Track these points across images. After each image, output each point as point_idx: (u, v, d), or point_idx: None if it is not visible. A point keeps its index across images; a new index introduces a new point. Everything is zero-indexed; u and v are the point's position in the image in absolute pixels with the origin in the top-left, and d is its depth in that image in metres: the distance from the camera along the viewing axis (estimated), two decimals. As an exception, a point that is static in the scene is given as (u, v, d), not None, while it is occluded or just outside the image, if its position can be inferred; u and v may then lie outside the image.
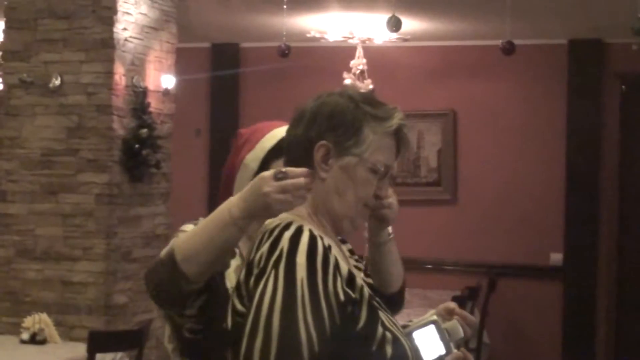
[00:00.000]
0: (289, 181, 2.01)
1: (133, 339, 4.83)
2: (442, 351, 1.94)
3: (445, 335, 1.93)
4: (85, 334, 4.76)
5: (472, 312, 7.34)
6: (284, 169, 2.01)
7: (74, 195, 5.53)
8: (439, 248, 8.34)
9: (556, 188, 8.10)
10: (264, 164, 2.36)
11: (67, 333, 5.39)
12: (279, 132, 2.38)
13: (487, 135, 8.31)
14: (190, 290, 2.13)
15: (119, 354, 4.93)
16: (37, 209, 5.64)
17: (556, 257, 8.13)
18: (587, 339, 8.00)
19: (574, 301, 8.04)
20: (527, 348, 8.19)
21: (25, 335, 5.15)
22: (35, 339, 5.11)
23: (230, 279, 2.24)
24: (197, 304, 2.20)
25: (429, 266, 8.34)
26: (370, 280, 2.24)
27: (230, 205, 2.08)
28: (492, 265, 8.13)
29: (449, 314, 2.11)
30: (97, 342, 4.60)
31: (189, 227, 2.31)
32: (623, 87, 8.06)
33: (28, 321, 5.20)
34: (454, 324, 1.94)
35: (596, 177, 8.04)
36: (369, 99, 2.09)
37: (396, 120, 2.06)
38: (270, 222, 2.03)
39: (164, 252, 2.12)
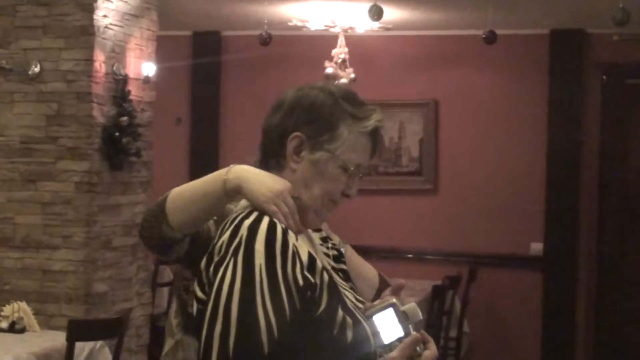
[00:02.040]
0: (293, 206, 2.02)
1: (113, 328, 4.81)
2: (401, 333, 1.95)
3: (403, 318, 1.94)
4: (64, 323, 4.74)
5: (452, 301, 7.37)
6: (300, 197, 2.06)
7: (54, 183, 5.50)
8: (419, 237, 8.35)
9: (537, 178, 8.12)
10: None
11: (47, 322, 5.36)
12: None
13: (469, 125, 8.32)
14: (169, 235, 2.17)
15: (99, 343, 4.91)
16: (16, 196, 5.61)
17: (536, 247, 8.15)
18: (567, 329, 8.03)
19: (553, 291, 8.07)
20: (507, 337, 8.22)
21: (4, 324, 5.12)
22: (14, 328, 5.08)
23: None
24: (169, 258, 2.29)
25: (410, 255, 8.35)
26: (343, 266, 2.24)
27: (231, 169, 2.12)
28: (473, 255, 8.16)
29: (396, 292, 2.13)
30: (76, 330, 4.58)
31: None
32: (604, 77, 8.09)
33: (7, 310, 5.17)
34: (413, 306, 1.97)
35: (577, 168, 8.07)
36: (349, 96, 2.10)
37: (373, 121, 2.07)
38: (234, 211, 2.05)
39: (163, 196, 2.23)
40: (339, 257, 2.26)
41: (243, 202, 2.09)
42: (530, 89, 8.21)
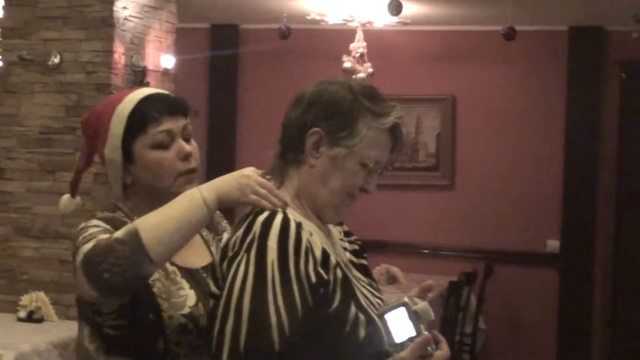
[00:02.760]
0: (268, 184, 2.06)
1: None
2: (413, 333, 1.95)
3: (415, 317, 1.94)
4: (81, 313, 4.76)
5: (468, 298, 7.36)
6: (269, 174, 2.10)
7: (72, 174, 5.51)
8: (435, 233, 8.35)
9: (554, 175, 8.10)
10: (127, 150, 2.27)
11: (64, 312, 5.38)
12: (123, 109, 2.28)
13: (486, 121, 8.30)
14: (149, 274, 2.09)
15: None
16: (35, 187, 5.63)
17: (553, 244, 8.13)
18: (583, 326, 8.01)
19: (570, 288, 8.05)
20: (523, 334, 8.21)
21: (22, 314, 5.15)
22: (32, 317, 5.12)
23: None
24: (122, 301, 2.15)
25: (426, 251, 8.34)
26: (364, 262, 2.23)
27: (201, 189, 2.10)
28: (489, 251, 8.14)
29: (424, 292, 2.12)
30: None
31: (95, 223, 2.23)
32: (623, 74, 8.05)
33: (25, 299, 5.20)
34: (424, 306, 1.96)
35: (594, 165, 8.04)
36: (369, 92, 2.10)
37: (392, 118, 2.07)
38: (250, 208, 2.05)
39: (119, 233, 2.06)
40: (360, 252, 2.24)
41: None
42: (548, 86, 8.18)
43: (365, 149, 2.05)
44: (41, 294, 5.21)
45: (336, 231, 2.22)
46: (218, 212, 2.47)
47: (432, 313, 1.97)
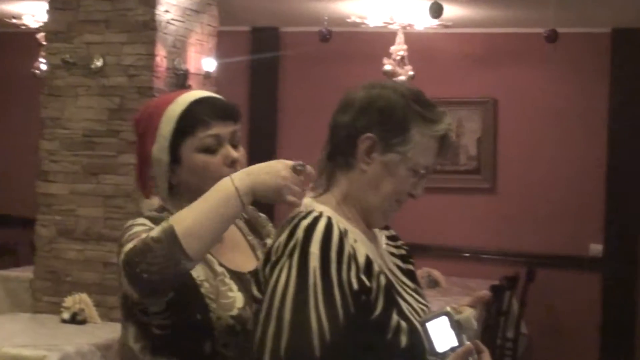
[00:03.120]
0: (299, 180, 2.08)
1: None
2: (455, 343, 1.92)
3: (457, 327, 1.92)
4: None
5: (509, 302, 7.32)
6: (302, 163, 2.10)
7: (115, 177, 5.55)
8: (477, 237, 8.31)
9: (597, 178, 8.03)
10: (174, 151, 2.28)
11: (107, 314, 5.42)
12: (173, 111, 2.29)
13: (528, 124, 8.25)
14: (187, 269, 2.08)
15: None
16: (78, 189, 5.67)
17: (596, 248, 8.06)
18: (626, 331, 7.93)
19: (613, 293, 7.97)
20: (565, 339, 8.14)
21: (65, 315, 5.20)
22: (76, 319, 5.16)
23: (196, 269, 2.19)
24: (164, 299, 2.15)
25: (467, 255, 8.30)
26: (410, 267, 2.21)
27: (234, 180, 2.09)
28: (531, 255, 8.09)
29: (476, 302, 2.10)
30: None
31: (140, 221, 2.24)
32: (667, 77, 7.97)
33: (68, 301, 5.25)
34: (467, 315, 1.94)
35: (637, 167, 7.96)
36: (420, 98, 2.08)
37: (444, 125, 2.06)
38: (293, 211, 2.05)
39: (155, 231, 2.06)
40: (406, 257, 2.23)
41: (305, 201, 2.09)
42: (591, 88, 8.11)
43: (416, 156, 2.04)
44: (84, 296, 5.26)
45: (382, 236, 2.21)
46: (263, 215, 2.48)
47: (475, 323, 1.95)
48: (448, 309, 1.94)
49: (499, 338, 7.06)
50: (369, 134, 2.04)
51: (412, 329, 1.97)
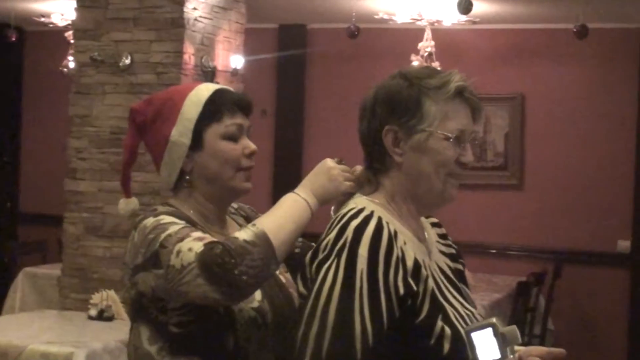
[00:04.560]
0: (348, 168, 2.16)
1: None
2: (497, 355, 1.90)
3: (501, 340, 1.91)
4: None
5: (537, 298, 7.29)
6: (340, 159, 2.20)
7: (142, 174, 5.56)
8: (504, 233, 8.28)
9: (625, 174, 7.98)
10: (197, 135, 2.27)
11: (134, 310, 5.44)
12: (198, 96, 2.29)
13: (556, 120, 8.21)
14: (273, 273, 2.15)
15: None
16: (105, 186, 5.70)
17: (624, 245, 8.01)
18: (655, 328, 7.88)
19: (641, 289, 7.92)
20: (593, 335, 8.10)
21: (93, 312, 5.22)
22: (103, 316, 5.18)
23: None
24: (237, 302, 2.15)
25: (494, 251, 8.28)
26: (459, 266, 2.19)
27: (299, 193, 2.15)
28: (558, 252, 8.05)
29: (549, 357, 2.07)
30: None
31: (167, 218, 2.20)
32: (697, 72, 7.90)
33: (96, 298, 5.27)
34: (512, 329, 1.92)
35: (667, 164, 7.90)
36: (423, 72, 2.07)
37: (453, 83, 2.03)
38: (345, 207, 2.04)
39: (247, 235, 2.06)
40: (456, 256, 2.21)
41: (357, 198, 2.10)
42: (620, 85, 8.06)
43: (442, 124, 2.01)
44: (112, 293, 5.28)
45: (433, 233, 2.19)
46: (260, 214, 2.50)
47: (519, 337, 1.92)
48: (494, 320, 1.93)
49: (526, 334, 7.04)
50: (387, 127, 2.04)
51: (456, 336, 1.95)
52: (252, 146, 2.31)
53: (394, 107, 2.03)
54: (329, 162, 2.19)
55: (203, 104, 2.28)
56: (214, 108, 2.28)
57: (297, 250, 2.37)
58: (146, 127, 2.33)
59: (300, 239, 2.39)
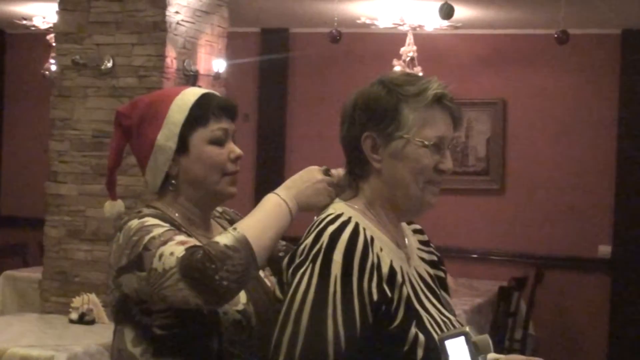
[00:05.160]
0: (334, 177, 2.15)
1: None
2: None
3: (474, 349, 1.92)
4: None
5: (518, 303, 7.31)
6: (327, 167, 2.18)
7: (124, 177, 5.54)
8: (485, 238, 8.30)
9: (606, 180, 8.02)
10: (183, 139, 2.28)
11: (115, 314, 5.43)
12: (184, 100, 2.30)
13: (537, 125, 8.24)
14: (252, 278, 2.13)
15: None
16: (87, 190, 5.68)
17: (604, 250, 8.05)
18: (635, 333, 7.91)
19: (621, 294, 7.95)
20: (574, 340, 8.13)
21: (74, 315, 5.21)
22: (84, 319, 5.17)
23: None
24: (217, 306, 2.16)
25: (475, 256, 8.30)
26: (440, 273, 2.19)
27: (280, 195, 2.14)
28: (539, 257, 8.08)
29: None
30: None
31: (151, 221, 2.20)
32: (677, 78, 7.95)
33: (77, 301, 5.25)
34: (485, 338, 1.92)
35: (647, 169, 7.94)
36: (401, 79, 2.07)
37: (432, 90, 2.03)
38: (324, 212, 2.05)
39: (228, 240, 2.06)
40: (437, 263, 2.21)
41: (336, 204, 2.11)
42: (601, 90, 8.10)
43: (420, 132, 2.02)
44: (93, 296, 5.26)
45: (414, 240, 2.19)
46: (234, 210, 2.50)
47: (491, 346, 1.93)
48: (467, 329, 1.93)
49: (507, 339, 7.06)
50: (366, 133, 2.04)
51: (430, 343, 1.96)
52: (238, 151, 2.31)
53: (372, 114, 2.03)
54: (317, 174, 2.18)
55: (189, 109, 2.28)
56: (200, 112, 2.28)
57: (281, 254, 2.37)
58: (132, 130, 2.33)
59: (284, 243, 2.40)
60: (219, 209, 2.46)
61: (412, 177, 2.03)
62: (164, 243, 2.10)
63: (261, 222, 2.11)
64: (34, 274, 6.56)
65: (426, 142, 2.01)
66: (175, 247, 2.07)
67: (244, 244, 2.05)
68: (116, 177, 2.44)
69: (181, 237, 2.12)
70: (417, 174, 2.02)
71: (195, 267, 2.02)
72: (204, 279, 2.01)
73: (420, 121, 2.02)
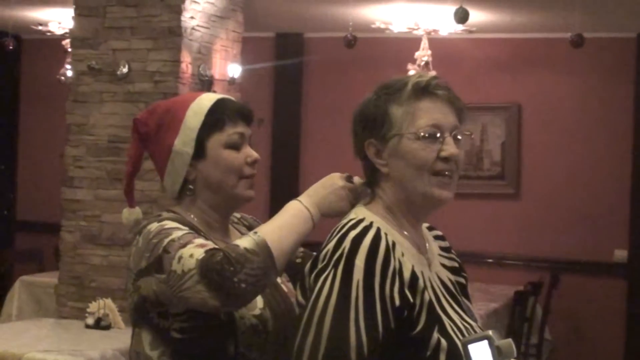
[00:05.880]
0: (356, 187, 2.18)
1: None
2: None
3: (496, 353, 1.91)
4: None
5: (534, 308, 7.29)
6: (350, 175, 2.21)
7: (140, 182, 5.54)
8: (501, 242, 8.28)
9: (622, 184, 7.99)
10: (200, 144, 2.30)
11: (131, 319, 5.44)
12: (200, 105, 2.32)
13: (552, 129, 8.22)
14: (272, 282, 2.15)
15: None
16: (103, 195, 5.70)
17: (620, 254, 8.02)
18: (651, 338, 7.89)
19: (638, 299, 7.92)
20: (589, 345, 8.10)
21: (90, 320, 5.22)
22: (100, 324, 5.18)
23: None
24: (234, 309, 2.18)
25: (491, 260, 8.28)
26: (462, 280, 2.18)
27: (303, 202, 2.16)
28: (555, 261, 8.06)
29: None
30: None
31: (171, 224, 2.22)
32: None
33: (93, 306, 5.27)
34: (508, 342, 1.92)
35: (663, 173, 7.92)
36: (388, 82, 2.08)
37: (411, 82, 2.04)
38: (345, 217, 2.06)
39: (248, 243, 2.08)
40: (458, 270, 2.21)
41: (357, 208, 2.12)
42: (616, 94, 8.08)
43: (411, 124, 2.02)
44: (109, 301, 5.28)
45: (435, 246, 2.19)
46: (253, 217, 2.52)
47: (515, 350, 1.93)
48: (490, 332, 1.93)
49: (523, 344, 7.04)
50: (367, 141, 2.06)
51: (452, 348, 1.96)
52: (255, 154, 2.34)
53: (367, 122, 2.06)
54: (339, 180, 2.20)
55: (205, 114, 2.31)
56: (216, 117, 2.31)
57: (298, 260, 2.39)
58: (149, 137, 2.36)
59: (301, 249, 2.41)
60: (237, 214, 2.48)
61: (416, 172, 2.02)
62: (184, 245, 2.12)
63: (282, 227, 2.13)
64: (50, 279, 6.58)
65: (419, 133, 2.01)
66: (195, 250, 2.09)
67: (263, 248, 2.07)
68: (134, 184, 2.46)
69: (200, 240, 2.15)
70: (419, 168, 2.02)
71: (214, 269, 2.04)
72: (222, 281, 2.04)
73: (409, 115, 2.03)
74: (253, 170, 2.33)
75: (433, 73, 6.90)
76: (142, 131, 2.36)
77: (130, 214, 2.43)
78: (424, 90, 2.03)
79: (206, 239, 2.21)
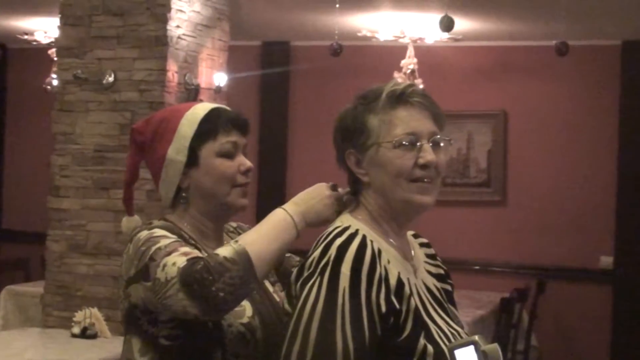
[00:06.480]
0: (342, 196, 2.19)
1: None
2: None
3: (483, 358, 1.92)
4: (135, 329, 4.79)
5: (520, 314, 7.30)
6: (335, 184, 2.23)
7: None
8: (487, 249, 8.30)
9: (607, 191, 8.02)
10: (193, 152, 2.33)
11: (118, 328, 5.42)
12: (194, 114, 2.35)
13: (538, 137, 8.25)
14: (251, 291, 2.15)
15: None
16: (89, 204, 5.69)
17: (606, 260, 8.05)
18: (637, 343, 7.90)
19: (624, 305, 7.95)
20: (576, 351, 8.12)
21: (76, 330, 5.21)
22: (86, 334, 5.17)
23: None
24: (216, 318, 2.18)
25: (477, 267, 8.30)
26: (447, 287, 2.20)
27: (287, 210, 2.17)
28: (541, 268, 8.08)
29: None
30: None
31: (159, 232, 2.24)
32: (677, 89, 7.95)
33: (79, 315, 5.25)
34: (494, 347, 1.93)
35: (648, 180, 7.95)
36: (365, 92, 2.11)
37: (386, 91, 2.06)
38: (331, 225, 2.07)
39: (227, 252, 2.09)
40: (444, 277, 2.22)
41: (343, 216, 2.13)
42: (601, 101, 8.11)
43: (388, 133, 2.04)
44: (95, 311, 5.27)
45: (421, 253, 2.21)
46: (249, 226, 2.54)
47: (501, 355, 1.94)
48: (476, 338, 1.94)
49: (510, 351, 7.05)
50: (347, 151, 2.09)
51: (439, 354, 1.97)
52: (248, 163, 2.36)
53: (345, 132, 2.08)
54: (325, 190, 2.22)
55: (198, 123, 2.33)
56: (209, 126, 2.33)
57: (293, 270, 2.39)
58: (145, 145, 2.39)
59: (298, 258, 2.41)
60: (234, 223, 2.50)
61: (394, 179, 2.04)
62: (169, 254, 2.14)
63: (264, 235, 2.13)
64: (36, 288, 6.56)
65: (396, 142, 2.03)
66: (178, 258, 2.11)
67: (243, 257, 2.08)
68: (133, 192, 2.48)
69: (185, 249, 2.16)
70: (398, 176, 2.04)
71: (194, 278, 2.06)
72: (201, 290, 2.05)
73: (385, 124, 2.04)
74: (246, 179, 2.35)
75: (419, 81, 6.96)
76: (139, 140, 2.40)
77: (129, 223, 2.46)
78: (398, 98, 2.05)
79: (195, 247, 2.23)
